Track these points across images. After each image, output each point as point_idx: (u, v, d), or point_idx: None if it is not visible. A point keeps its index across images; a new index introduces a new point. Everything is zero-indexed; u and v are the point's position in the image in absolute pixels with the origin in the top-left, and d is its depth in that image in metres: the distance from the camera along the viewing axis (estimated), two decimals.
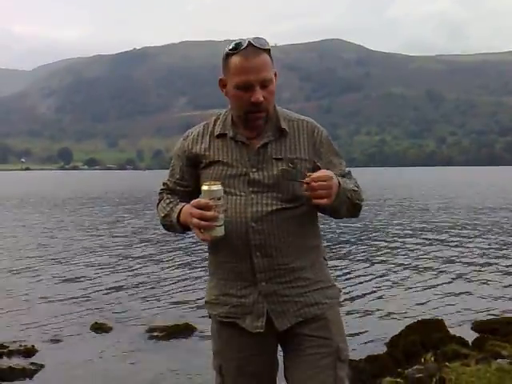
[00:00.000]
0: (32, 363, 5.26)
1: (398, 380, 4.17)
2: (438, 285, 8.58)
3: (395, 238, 13.99)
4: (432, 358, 4.61)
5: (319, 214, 2.00)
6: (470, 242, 13.25)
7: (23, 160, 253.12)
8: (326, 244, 12.19)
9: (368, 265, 10.30)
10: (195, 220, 1.76)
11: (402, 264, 10.38)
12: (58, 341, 6.02)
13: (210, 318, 2.06)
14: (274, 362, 2.04)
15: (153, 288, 8.53)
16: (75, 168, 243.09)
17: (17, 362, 5.30)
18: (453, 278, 9.05)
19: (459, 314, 6.85)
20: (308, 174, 1.77)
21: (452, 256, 11.22)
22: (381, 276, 9.25)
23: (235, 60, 1.81)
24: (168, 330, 6.26)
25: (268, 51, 1.85)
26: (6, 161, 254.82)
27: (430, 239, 13.76)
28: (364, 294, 7.98)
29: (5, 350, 5.52)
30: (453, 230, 15.62)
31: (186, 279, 9.08)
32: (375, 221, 18.20)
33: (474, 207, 23.37)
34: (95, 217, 21.00)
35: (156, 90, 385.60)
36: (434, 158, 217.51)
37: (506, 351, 4.64)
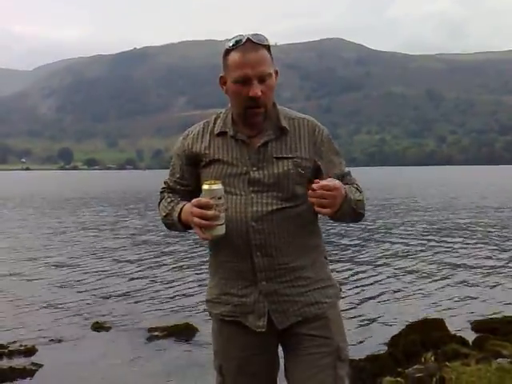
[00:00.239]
0: (32, 363, 5.26)
1: (399, 379, 4.16)
2: (438, 284, 8.57)
3: (396, 238, 13.98)
4: (432, 358, 4.60)
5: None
6: (470, 242, 13.24)
7: (23, 160, 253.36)
8: (327, 244, 12.17)
9: (368, 264, 10.29)
10: (196, 219, 1.76)
11: (403, 264, 10.37)
12: (58, 341, 6.02)
13: (210, 316, 2.06)
14: (275, 361, 2.03)
15: (153, 288, 8.52)
16: (75, 168, 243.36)
17: (17, 361, 5.31)
18: (453, 278, 9.04)
19: (459, 314, 6.85)
20: (315, 180, 1.75)
21: (452, 256, 11.22)
22: (381, 275, 9.24)
23: (234, 55, 1.83)
24: (168, 330, 6.26)
25: (267, 47, 1.85)
26: (6, 161, 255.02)
27: (430, 239, 13.75)
28: (364, 294, 7.97)
29: (5, 350, 5.53)
30: (453, 231, 15.62)
31: (187, 279, 9.07)
32: (376, 220, 18.19)
33: (474, 207, 23.38)
34: (97, 217, 20.98)
35: (156, 89, 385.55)
36: (434, 157, 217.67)
37: (506, 351, 4.63)
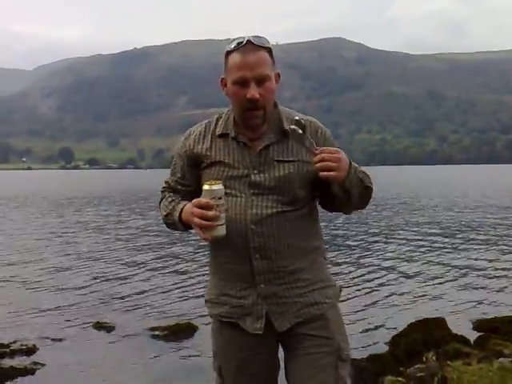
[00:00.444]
0: (33, 362, 5.27)
1: (400, 379, 4.16)
2: (439, 283, 8.57)
3: (397, 239, 13.97)
4: (434, 357, 4.59)
5: (323, 212, 1.97)
6: (473, 241, 13.24)
7: (24, 159, 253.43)
8: (328, 244, 12.19)
9: (370, 265, 10.28)
10: (196, 219, 1.76)
11: (404, 264, 10.37)
12: (59, 340, 6.02)
13: (210, 316, 2.06)
14: (275, 362, 2.03)
15: (155, 287, 8.52)
16: (76, 167, 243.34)
17: (18, 361, 5.31)
18: (455, 277, 9.03)
19: (461, 313, 6.84)
20: (317, 148, 1.77)
21: (454, 256, 11.21)
22: (383, 276, 9.24)
23: (233, 57, 1.83)
24: (170, 330, 6.26)
25: (268, 50, 1.85)
26: (7, 160, 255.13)
27: (432, 238, 13.75)
28: (366, 294, 7.97)
29: (6, 350, 5.53)
30: (455, 231, 15.60)
31: (189, 279, 9.07)
32: (378, 220, 18.19)
33: (476, 206, 23.35)
34: (99, 217, 20.96)
35: (157, 89, 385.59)
36: (435, 157, 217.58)
37: (507, 350, 4.62)
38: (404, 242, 13.09)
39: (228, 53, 1.85)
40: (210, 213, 1.74)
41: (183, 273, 9.64)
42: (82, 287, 8.56)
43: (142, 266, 10.41)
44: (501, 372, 3.90)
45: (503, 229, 15.53)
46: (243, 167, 1.89)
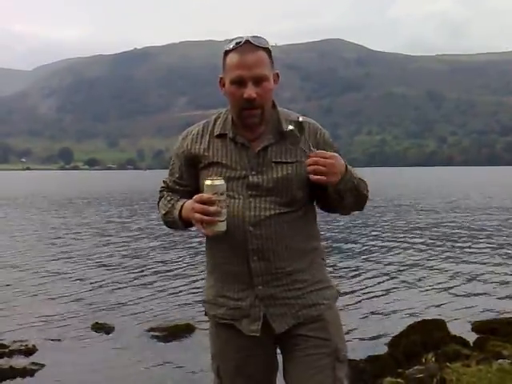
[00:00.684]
0: (33, 363, 5.27)
1: (399, 380, 4.16)
2: (439, 285, 8.58)
3: (397, 238, 13.98)
4: (433, 359, 4.60)
5: (321, 213, 1.99)
6: (471, 242, 13.25)
7: (24, 160, 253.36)
8: (327, 244, 12.19)
9: (369, 266, 10.29)
10: (197, 215, 1.75)
11: (404, 264, 10.38)
12: (58, 340, 6.02)
13: (205, 315, 2.05)
14: (273, 363, 2.02)
15: (154, 288, 8.52)
16: (76, 168, 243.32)
17: (17, 361, 5.31)
18: (454, 278, 9.04)
19: (460, 314, 6.84)
20: (314, 149, 1.77)
21: (453, 256, 11.22)
22: (382, 276, 9.25)
23: (231, 57, 1.83)
24: (169, 330, 6.27)
25: (267, 50, 1.85)
26: (6, 161, 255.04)
27: (430, 239, 13.75)
28: (365, 295, 7.98)
29: (6, 350, 5.53)
30: (454, 231, 15.62)
31: (187, 279, 9.08)
32: (377, 220, 18.19)
33: (477, 208, 23.36)
34: (99, 218, 20.96)
35: (156, 89, 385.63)
36: (435, 158, 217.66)
37: (506, 351, 4.63)
38: (404, 244, 13.09)
39: (226, 52, 1.85)
40: (212, 208, 1.73)
41: (183, 273, 9.64)
42: (81, 288, 8.56)
43: (141, 266, 10.41)
44: (500, 373, 3.91)
45: (503, 232, 15.53)
46: (241, 168, 1.88)
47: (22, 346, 5.67)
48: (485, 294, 8.00)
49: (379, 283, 8.73)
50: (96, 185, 60.05)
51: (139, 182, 64.36)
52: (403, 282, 8.86)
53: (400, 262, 10.54)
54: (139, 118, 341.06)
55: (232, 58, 1.83)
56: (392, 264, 10.36)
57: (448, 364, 4.28)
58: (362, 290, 8.28)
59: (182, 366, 5.34)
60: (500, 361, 4.30)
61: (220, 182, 1.75)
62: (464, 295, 7.91)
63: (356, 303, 7.45)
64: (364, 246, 12.85)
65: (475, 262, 10.47)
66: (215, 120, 1.97)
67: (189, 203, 1.85)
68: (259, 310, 1.89)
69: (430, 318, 5.85)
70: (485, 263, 10.38)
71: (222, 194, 1.74)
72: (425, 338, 5.04)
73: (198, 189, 1.88)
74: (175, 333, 6.23)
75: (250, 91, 1.81)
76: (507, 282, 8.71)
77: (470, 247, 12.38)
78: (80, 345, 5.93)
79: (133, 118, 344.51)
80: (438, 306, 7.31)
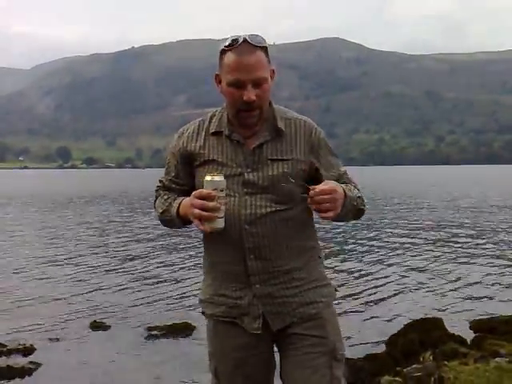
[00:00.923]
0: (31, 362, 5.27)
1: (397, 379, 4.16)
2: (437, 284, 8.59)
3: (395, 238, 14.00)
4: (431, 357, 4.59)
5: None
6: (469, 241, 13.27)
7: (21, 158, 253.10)
8: (326, 243, 12.20)
9: (367, 265, 10.31)
10: (196, 211, 1.73)
11: (402, 263, 10.40)
12: (56, 340, 6.02)
13: (203, 314, 2.04)
14: (271, 362, 2.01)
15: (152, 287, 8.53)
16: (73, 167, 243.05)
17: (15, 360, 5.31)
18: (452, 277, 9.06)
19: (458, 313, 6.86)
20: (311, 187, 1.71)
21: (451, 255, 11.23)
22: (380, 275, 9.26)
23: (229, 57, 1.79)
24: (167, 330, 6.27)
25: (264, 49, 1.81)
26: (4, 159, 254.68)
27: (429, 239, 13.77)
28: (363, 293, 7.99)
29: (4, 349, 5.53)
30: (453, 230, 15.63)
31: (186, 279, 9.08)
32: (376, 220, 18.20)
33: (476, 206, 23.38)
34: (98, 217, 20.93)
35: (155, 88, 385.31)
36: (433, 157, 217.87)
37: (504, 350, 4.62)
38: (402, 244, 13.10)
39: (223, 51, 1.80)
40: (211, 203, 1.71)
41: (181, 272, 9.64)
42: (79, 287, 8.56)
43: (139, 265, 10.42)
44: (497, 372, 3.90)
45: (503, 231, 15.54)
46: (236, 166, 1.86)
47: (20, 345, 5.67)
48: (482, 292, 8.02)
49: (377, 282, 8.74)
50: (94, 184, 59.98)
51: (138, 181, 64.30)
52: (401, 280, 8.87)
53: (398, 263, 10.55)
54: (137, 117, 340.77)
55: (230, 59, 1.78)
56: (390, 264, 10.37)
57: (446, 362, 4.27)
58: (360, 289, 8.28)
59: (180, 364, 5.35)
60: (497, 359, 4.30)
61: (220, 178, 1.74)
62: (461, 294, 7.93)
63: (354, 302, 7.46)
64: (364, 246, 12.86)
65: (474, 262, 10.49)
66: (211, 118, 1.95)
67: (188, 199, 1.82)
68: (258, 308, 1.88)
69: (427, 317, 5.85)
70: (483, 263, 10.40)
71: (221, 191, 1.73)
72: (423, 337, 5.03)
73: (194, 187, 1.86)
74: (173, 332, 6.24)
75: (250, 94, 1.78)
76: (505, 281, 8.73)
77: (468, 247, 12.39)
78: (78, 344, 5.93)
79: (131, 116, 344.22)
80: (436, 304, 7.32)
